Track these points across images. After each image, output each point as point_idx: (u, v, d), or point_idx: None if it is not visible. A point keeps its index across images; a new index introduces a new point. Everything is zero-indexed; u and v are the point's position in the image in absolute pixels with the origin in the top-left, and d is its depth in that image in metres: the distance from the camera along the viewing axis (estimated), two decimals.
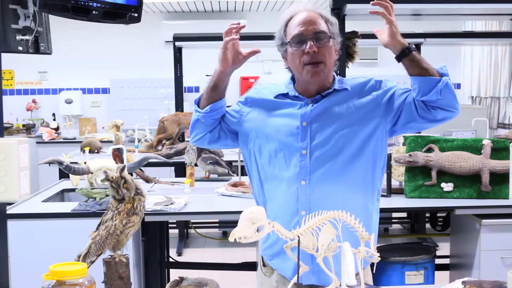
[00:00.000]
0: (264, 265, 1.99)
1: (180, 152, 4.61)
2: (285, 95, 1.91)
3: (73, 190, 3.48)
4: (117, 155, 3.68)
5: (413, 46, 1.79)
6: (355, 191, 1.83)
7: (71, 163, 3.30)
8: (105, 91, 8.24)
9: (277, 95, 1.92)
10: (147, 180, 3.64)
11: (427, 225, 5.88)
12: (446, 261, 3.66)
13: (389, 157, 3.18)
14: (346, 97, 1.86)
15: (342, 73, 3.30)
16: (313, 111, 1.84)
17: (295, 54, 1.83)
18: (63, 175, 4.26)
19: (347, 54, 3.46)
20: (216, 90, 1.93)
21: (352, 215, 1.46)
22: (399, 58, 1.79)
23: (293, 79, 1.94)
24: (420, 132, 3.65)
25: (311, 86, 1.86)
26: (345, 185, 1.81)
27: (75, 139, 7.36)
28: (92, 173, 3.26)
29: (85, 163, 3.36)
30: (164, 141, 5.13)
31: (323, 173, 1.81)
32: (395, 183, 3.31)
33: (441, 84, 1.73)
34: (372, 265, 1.60)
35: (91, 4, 2.41)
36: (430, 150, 3.16)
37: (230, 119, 1.97)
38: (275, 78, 7.00)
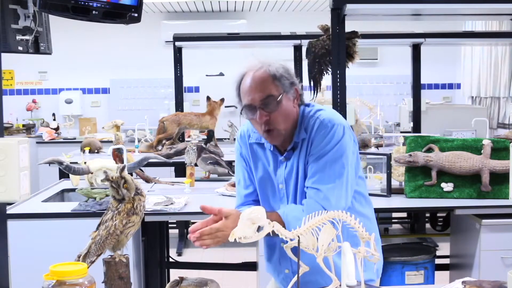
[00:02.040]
0: None
1: (180, 152, 4.61)
2: (261, 145, 1.97)
3: (73, 190, 3.48)
4: (117, 155, 3.68)
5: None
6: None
7: (71, 163, 3.30)
8: (105, 91, 8.25)
9: (255, 143, 1.98)
10: (147, 180, 3.64)
11: (427, 225, 5.88)
12: (446, 261, 3.66)
13: (389, 157, 3.18)
14: (304, 144, 1.87)
15: (342, 73, 3.30)
16: (287, 175, 1.91)
17: (252, 122, 1.87)
18: (63, 175, 4.26)
19: (347, 54, 3.46)
20: None
21: (352, 215, 1.46)
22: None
23: None
24: (420, 132, 3.65)
25: (276, 145, 1.92)
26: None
27: (75, 139, 7.35)
28: (92, 173, 3.26)
29: (85, 163, 3.36)
30: (164, 141, 5.13)
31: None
32: (395, 183, 3.31)
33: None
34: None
35: (91, 4, 2.41)
36: (430, 150, 3.15)
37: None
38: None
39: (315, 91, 3.70)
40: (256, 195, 2.02)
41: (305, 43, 4.37)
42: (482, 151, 3.09)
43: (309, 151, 1.84)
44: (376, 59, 8.06)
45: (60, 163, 3.17)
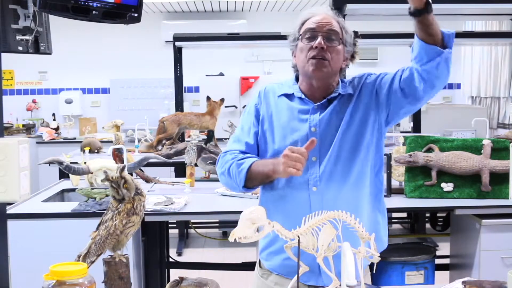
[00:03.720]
0: (260, 266, 1.99)
1: (180, 152, 4.61)
2: (289, 96, 1.91)
3: (73, 190, 3.48)
4: (117, 155, 3.67)
5: (431, 8, 1.66)
6: (360, 192, 1.84)
7: (71, 163, 3.30)
8: (105, 91, 8.24)
9: (280, 95, 1.92)
10: (147, 180, 3.64)
11: (427, 225, 5.88)
12: (446, 261, 3.66)
13: (389, 157, 3.18)
14: (349, 101, 1.86)
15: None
16: (321, 120, 1.84)
17: (304, 48, 1.84)
18: (63, 175, 4.26)
19: None
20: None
21: (352, 215, 1.46)
22: (413, 13, 1.66)
23: (297, 79, 1.94)
24: (420, 132, 3.65)
25: (314, 82, 1.85)
26: (351, 187, 1.82)
27: (75, 139, 7.35)
28: (92, 173, 3.26)
29: (85, 163, 3.36)
30: (164, 141, 5.13)
31: (331, 177, 1.82)
32: (395, 183, 3.31)
33: (440, 58, 1.68)
34: (372, 265, 1.60)
35: (91, 4, 2.41)
36: (430, 150, 3.15)
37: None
38: (275, 78, 7.00)
39: None
40: (254, 151, 1.93)
41: None
42: (482, 151, 3.09)
43: (372, 87, 1.85)
44: (376, 59, 8.06)
45: (60, 163, 3.17)
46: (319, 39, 1.80)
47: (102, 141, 5.75)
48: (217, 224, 5.90)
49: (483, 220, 2.95)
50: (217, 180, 3.79)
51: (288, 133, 1.86)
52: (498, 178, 3.06)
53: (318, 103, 1.86)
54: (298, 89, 1.90)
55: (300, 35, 1.85)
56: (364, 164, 1.83)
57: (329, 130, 1.83)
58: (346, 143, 1.82)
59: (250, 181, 1.86)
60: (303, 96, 1.88)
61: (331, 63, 1.81)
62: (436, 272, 3.49)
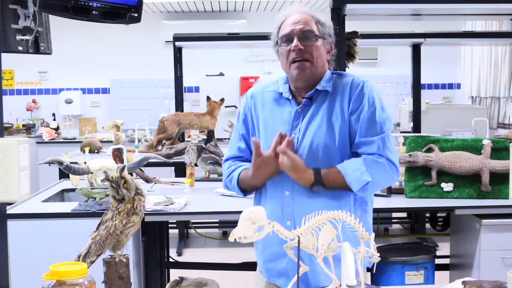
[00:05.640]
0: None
1: (180, 152, 4.61)
2: (278, 95, 1.96)
3: (73, 190, 3.48)
4: (117, 155, 3.68)
5: (322, 181, 1.81)
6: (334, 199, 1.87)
7: (71, 163, 3.29)
8: (105, 91, 8.24)
9: (270, 91, 1.98)
10: (147, 180, 3.64)
11: (427, 225, 5.88)
12: (446, 261, 3.66)
13: None
14: (328, 98, 1.88)
15: None
16: (301, 127, 1.88)
17: (284, 53, 1.89)
18: (63, 175, 4.26)
19: (347, 54, 3.46)
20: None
21: (352, 215, 1.46)
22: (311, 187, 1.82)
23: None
24: (420, 132, 3.64)
25: (300, 83, 1.90)
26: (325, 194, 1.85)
27: (75, 139, 7.35)
28: (92, 173, 3.26)
29: (85, 163, 3.36)
30: (164, 141, 5.13)
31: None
32: (395, 183, 3.30)
33: (362, 192, 1.82)
34: (372, 265, 1.60)
35: (91, 4, 2.41)
36: (430, 150, 3.15)
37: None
38: (275, 78, 6.98)
39: None
40: (247, 154, 2.00)
41: None
42: (482, 151, 3.09)
43: (346, 109, 1.84)
44: (376, 59, 8.06)
45: (60, 163, 3.17)
46: (295, 42, 1.85)
47: (102, 141, 5.75)
48: (217, 224, 5.90)
49: (483, 220, 2.95)
50: (217, 180, 3.81)
51: (271, 136, 1.90)
52: (498, 178, 3.06)
53: (301, 105, 1.89)
54: (287, 89, 1.94)
55: (277, 42, 1.91)
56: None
57: (306, 132, 1.87)
58: (320, 140, 1.85)
59: (244, 188, 1.99)
60: (290, 97, 1.92)
61: (313, 61, 1.85)
62: (436, 272, 3.49)
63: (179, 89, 5.65)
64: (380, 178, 1.83)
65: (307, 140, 1.86)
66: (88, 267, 1.44)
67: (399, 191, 3.25)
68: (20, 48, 2.46)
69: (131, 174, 2.99)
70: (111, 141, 5.31)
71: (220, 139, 5.34)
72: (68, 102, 8.01)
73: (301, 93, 1.92)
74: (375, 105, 1.85)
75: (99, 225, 1.61)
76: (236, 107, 7.01)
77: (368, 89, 1.86)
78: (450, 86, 8.30)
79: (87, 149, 5.06)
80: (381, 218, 5.91)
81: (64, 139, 7.48)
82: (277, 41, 1.92)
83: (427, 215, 5.82)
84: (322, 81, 1.89)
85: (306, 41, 1.85)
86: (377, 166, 1.81)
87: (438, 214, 5.63)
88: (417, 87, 5.46)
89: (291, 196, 1.87)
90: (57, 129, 7.66)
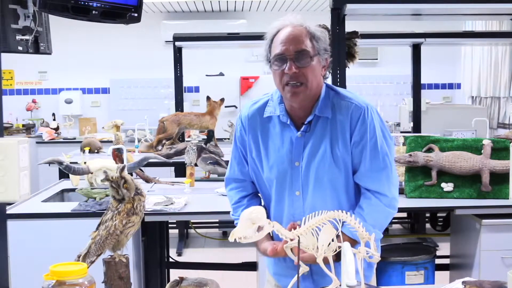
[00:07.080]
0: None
1: (180, 152, 4.61)
2: (275, 118, 1.88)
3: (73, 190, 3.48)
4: (117, 155, 3.67)
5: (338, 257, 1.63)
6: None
7: (71, 163, 3.29)
8: (105, 91, 8.24)
9: (268, 117, 1.89)
10: (147, 180, 3.64)
11: (427, 225, 5.88)
12: (446, 261, 3.66)
13: None
14: (329, 126, 1.82)
15: (342, 73, 3.30)
16: (304, 153, 1.83)
17: (276, 73, 1.78)
18: (63, 175, 4.26)
19: (348, 54, 3.46)
20: None
21: (352, 215, 1.46)
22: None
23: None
24: (420, 132, 3.64)
25: (294, 104, 1.82)
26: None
27: (75, 139, 7.35)
28: (92, 173, 3.26)
29: (85, 163, 3.36)
30: (164, 141, 5.13)
31: (314, 208, 1.80)
32: None
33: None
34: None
35: (91, 4, 2.41)
36: (430, 150, 3.15)
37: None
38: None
39: None
40: (250, 177, 1.97)
41: None
42: (482, 151, 3.09)
43: (348, 140, 1.80)
44: (376, 59, 8.05)
45: (60, 163, 3.17)
46: (289, 65, 1.73)
47: (102, 141, 5.75)
48: (217, 224, 5.90)
49: (483, 220, 2.95)
50: (217, 180, 3.81)
51: (274, 165, 1.86)
52: (498, 178, 3.06)
53: (301, 131, 1.83)
54: (283, 110, 1.85)
55: (270, 60, 1.80)
56: (347, 183, 1.85)
57: (311, 163, 1.83)
58: (325, 173, 1.82)
59: None
60: (288, 122, 1.84)
61: (308, 84, 1.76)
62: (436, 272, 3.49)
63: (179, 89, 5.65)
64: (383, 221, 1.87)
65: (312, 173, 1.82)
66: (88, 267, 1.44)
67: (399, 191, 3.24)
68: (20, 48, 2.46)
69: (131, 174, 3.00)
70: (111, 141, 5.31)
71: (220, 139, 5.34)
72: (68, 102, 8.01)
73: (298, 114, 1.84)
74: (377, 135, 1.80)
75: (99, 225, 1.61)
76: (236, 107, 7.01)
77: (369, 118, 1.79)
78: (450, 86, 8.30)
79: (87, 149, 5.06)
80: None
81: (64, 139, 7.48)
82: (269, 60, 1.81)
83: (427, 215, 5.82)
84: (320, 103, 1.81)
85: (301, 62, 1.74)
86: (377, 213, 1.82)
87: (438, 214, 5.62)
88: (417, 87, 5.46)
89: (301, 196, 1.84)
90: (57, 129, 7.66)
